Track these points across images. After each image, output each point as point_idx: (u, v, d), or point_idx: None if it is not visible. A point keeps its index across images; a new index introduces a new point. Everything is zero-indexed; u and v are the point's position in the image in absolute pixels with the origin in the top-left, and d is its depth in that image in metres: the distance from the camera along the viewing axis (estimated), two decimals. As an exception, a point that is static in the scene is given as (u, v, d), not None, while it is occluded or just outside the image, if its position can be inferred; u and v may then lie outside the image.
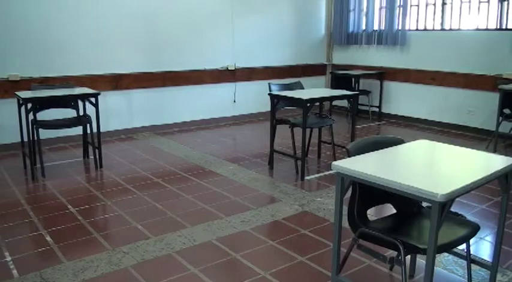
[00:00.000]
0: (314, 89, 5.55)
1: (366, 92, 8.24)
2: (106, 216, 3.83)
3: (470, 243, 3.32)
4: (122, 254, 3.12)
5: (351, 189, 2.32)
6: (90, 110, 5.10)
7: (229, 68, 7.64)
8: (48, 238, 3.38)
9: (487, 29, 6.84)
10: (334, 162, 2.24)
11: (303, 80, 6.01)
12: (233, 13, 7.57)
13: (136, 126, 6.86)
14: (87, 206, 4.00)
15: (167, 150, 5.91)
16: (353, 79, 8.05)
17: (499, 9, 6.67)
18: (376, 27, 8.30)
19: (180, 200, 4.17)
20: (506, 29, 6.58)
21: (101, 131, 5.17)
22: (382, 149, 2.52)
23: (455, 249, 2.45)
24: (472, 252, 3.20)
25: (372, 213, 3.58)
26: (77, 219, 3.72)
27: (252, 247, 3.25)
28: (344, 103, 8.05)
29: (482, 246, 3.37)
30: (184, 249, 3.20)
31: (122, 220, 3.71)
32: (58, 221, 3.69)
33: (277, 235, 3.45)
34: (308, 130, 5.24)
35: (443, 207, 1.88)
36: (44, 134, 4.95)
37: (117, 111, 6.60)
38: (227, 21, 7.53)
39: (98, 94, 4.98)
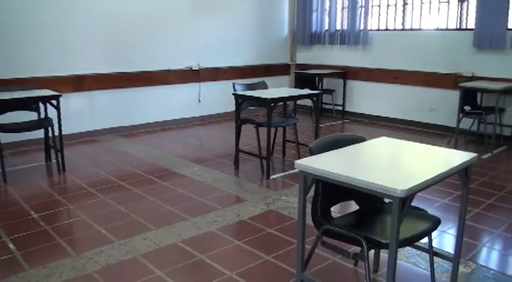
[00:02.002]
0: (278, 89, 5.58)
1: (330, 91, 8.34)
2: (69, 221, 3.76)
3: (433, 236, 3.41)
4: (86, 259, 3.06)
5: (314, 187, 2.34)
6: (52, 113, 5.00)
7: (193, 68, 7.60)
8: (10, 245, 3.29)
9: (447, 29, 7.01)
10: (297, 161, 2.26)
11: (268, 80, 6.03)
12: (196, 13, 7.54)
13: (100, 128, 6.75)
14: (50, 211, 3.91)
15: (131, 152, 5.85)
16: (317, 78, 8.12)
17: (459, 9, 6.85)
18: (338, 27, 8.39)
19: (145, 202, 4.13)
20: (466, 29, 6.76)
21: (63, 133, 5.06)
22: (344, 147, 2.56)
23: (418, 243, 2.50)
24: (435, 245, 3.30)
25: (335, 211, 3.63)
26: (40, 225, 3.64)
27: (218, 248, 3.25)
28: (308, 102, 8.11)
29: (445, 239, 3.45)
30: (149, 252, 3.17)
31: (86, 225, 3.65)
32: (21, 227, 3.60)
33: (243, 235, 3.46)
34: (273, 129, 5.26)
35: (404, 202, 1.92)
36: (5, 138, 4.82)
37: (79, 113, 6.48)
38: (190, 21, 7.49)
39: (60, 96, 4.88)
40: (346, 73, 8.27)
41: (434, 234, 3.45)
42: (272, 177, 4.87)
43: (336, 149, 2.51)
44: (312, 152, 2.45)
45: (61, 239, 3.38)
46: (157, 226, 3.60)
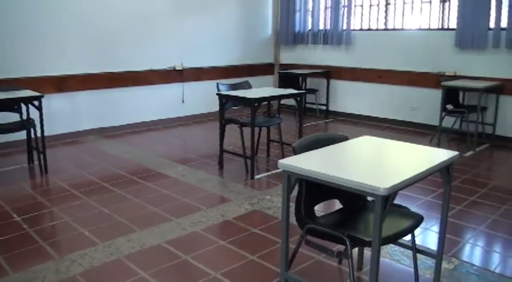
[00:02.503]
0: (262, 89, 5.58)
1: (313, 91, 8.37)
2: (52, 223, 3.71)
3: (417, 233, 3.45)
4: (70, 262, 3.03)
5: (298, 186, 2.35)
6: (34, 114, 4.94)
7: (176, 68, 7.58)
8: (-9, 249, 3.26)
9: (429, 29, 7.08)
10: (281, 161, 2.26)
11: (251, 80, 6.03)
12: (180, 12, 7.52)
13: (83, 129, 6.69)
14: (33, 214, 3.86)
15: (115, 153, 5.81)
16: (300, 78, 8.15)
17: (441, 9, 6.91)
18: (321, 27, 8.42)
19: (128, 203, 4.11)
20: (448, 29, 6.83)
21: (46, 135, 5.01)
22: (327, 146, 2.57)
23: (401, 240, 2.52)
24: (419, 242, 3.33)
25: (319, 209, 3.65)
26: (23, 228, 3.59)
27: (202, 248, 3.24)
28: (292, 102, 8.11)
29: (429, 236, 3.49)
30: (133, 254, 3.15)
31: (69, 227, 3.61)
32: (3, 230, 3.54)
33: (227, 235, 3.45)
34: (257, 129, 5.26)
35: (386, 200, 1.93)
36: (-15, 139, 4.78)
37: (62, 114, 6.41)
38: (174, 21, 7.47)
39: (42, 97, 4.83)
40: (330, 73, 8.31)
41: (417, 231, 3.47)
42: (256, 177, 4.87)
43: (319, 148, 2.51)
44: (295, 152, 2.45)
45: (44, 242, 3.34)
46: (141, 227, 3.58)
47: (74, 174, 4.94)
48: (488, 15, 6.29)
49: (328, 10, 8.24)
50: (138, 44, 7.07)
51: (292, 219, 2.39)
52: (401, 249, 3.18)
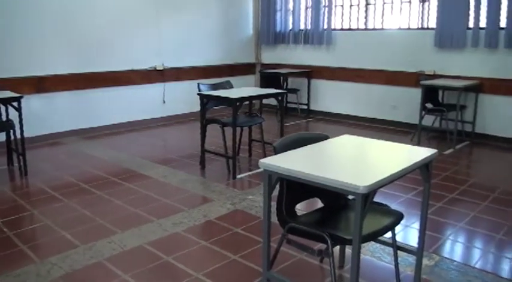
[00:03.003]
0: (243, 88, 5.57)
1: (295, 90, 8.39)
2: (33, 226, 3.66)
3: (398, 231, 3.48)
4: (50, 266, 2.99)
5: (279, 185, 2.35)
6: (14, 115, 4.87)
7: (157, 68, 7.54)
8: (-30, 253, 3.20)
9: (409, 29, 7.14)
10: (261, 160, 2.26)
11: (233, 80, 6.03)
12: (160, 12, 7.48)
13: (63, 130, 6.61)
14: (12, 217, 3.80)
15: (95, 154, 5.75)
16: (281, 78, 8.17)
17: (420, 9, 6.98)
18: (302, 27, 8.45)
19: (109, 205, 4.07)
20: (427, 29, 6.91)
21: (26, 136, 4.92)
22: (307, 145, 2.57)
23: (382, 238, 2.54)
24: (400, 239, 3.36)
25: (301, 208, 3.65)
26: (2, 231, 3.53)
27: (184, 249, 3.22)
28: (274, 101, 8.10)
29: (410, 233, 3.52)
30: (114, 256, 3.12)
31: (50, 230, 3.57)
32: (-19, 234, 3.50)
33: (209, 235, 3.44)
34: (239, 129, 5.26)
35: (366, 198, 1.94)
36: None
37: (42, 115, 6.32)
38: (154, 20, 7.42)
39: (21, 97, 4.76)
40: (311, 72, 8.34)
41: (398, 228, 3.51)
42: (238, 176, 4.87)
43: (300, 147, 2.52)
44: (276, 151, 2.45)
45: (24, 246, 3.29)
46: (122, 229, 3.55)
47: (55, 176, 4.88)
48: (468, 15, 6.37)
49: (309, 10, 8.27)
50: (118, 44, 7.02)
51: (274, 218, 2.39)
52: (383, 246, 3.20)
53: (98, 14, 6.74)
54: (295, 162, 2.27)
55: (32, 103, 6.14)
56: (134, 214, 3.85)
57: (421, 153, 2.44)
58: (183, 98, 7.88)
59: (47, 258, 3.10)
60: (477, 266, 3.01)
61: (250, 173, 5.03)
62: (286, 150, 2.45)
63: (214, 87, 5.37)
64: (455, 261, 3.07)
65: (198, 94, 4.99)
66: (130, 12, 7.12)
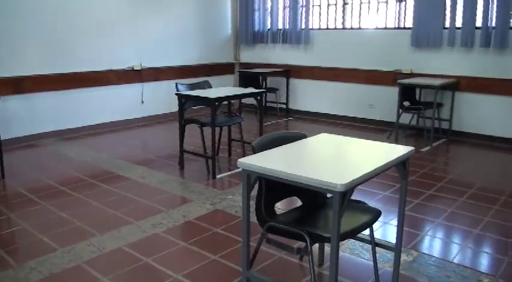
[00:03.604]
0: (222, 88, 5.56)
1: (273, 90, 8.41)
2: (10, 230, 3.59)
3: (376, 228, 3.52)
4: (29, 270, 2.95)
5: (258, 184, 2.35)
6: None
7: (135, 68, 7.48)
8: None
9: (386, 28, 7.21)
10: (240, 160, 2.26)
11: (212, 79, 6.01)
12: (138, 11, 7.42)
13: (41, 131, 6.51)
14: (-13, 221, 3.76)
15: (73, 155, 5.68)
16: (260, 77, 8.18)
17: (397, 9, 7.05)
18: (280, 27, 8.47)
19: (88, 207, 4.03)
20: (404, 28, 6.98)
21: (2, 138, 4.83)
22: (286, 144, 2.58)
23: (361, 235, 2.55)
24: (379, 236, 3.40)
25: (281, 207, 3.67)
26: (-23, 235, 3.49)
27: (163, 250, 3.21)
28: (253, 101, 8.10)
29: (388, 230, 3.56)
30: (93, 259, 3.09)
31: (27, 233, 3.51)
32: (-45, 238, 3.43)
33: (189, 236, 3.43)
34: (218, 129, 5.25)
35: (344, 196, 1.96)
36: None
37: (19, 116, 6.21)
38: (132, 20, 7.36)
39: (-3, 99, 4.70)
40: (289, 72, 8.36)
41: (376, 225, 3.54)
42: (218, 176, 4.86)
43: (278, 146, 2.53)
44: (255, 151, 2.45)
45: (1, 250, 3.24)
46: (101, 231, 3.52)
47: (32, 179, 4.81)
48: (444, 15, 6.47)
49: (287, 9, 8.29)
50: (96, 44, 6.94)
51: (254, 217, 2.39)
52: (361, 243, 3.23)
53: (76, 14, 6.65)
54: (273, 161, 2.28)
55: (10, 104, 6.05)
56: (113, 216, 3.82)
57: (398, 150, 2.46)
58: (161, 98, 7.84)
59: (25, 262, 3.05)
60: (455, 260, 3.06)
61: (230, 172, 5.02)
62: (264, 150, 2.45)
63: (193, 87, 5.35)
64: (433, 256, 3.11)
65: (176, 94, 4.97)
66: (109, 12, 7.05)
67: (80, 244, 3.30)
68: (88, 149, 5.99)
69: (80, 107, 6.91)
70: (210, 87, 5.48)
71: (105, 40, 7.06)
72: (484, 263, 3.06)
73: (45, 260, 3.08)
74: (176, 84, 5.22)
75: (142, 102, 7.72)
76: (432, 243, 3.36)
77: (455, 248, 3.26)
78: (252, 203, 2.35)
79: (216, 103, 4.63)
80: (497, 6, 5.96)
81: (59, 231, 3.54)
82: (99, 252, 3.18)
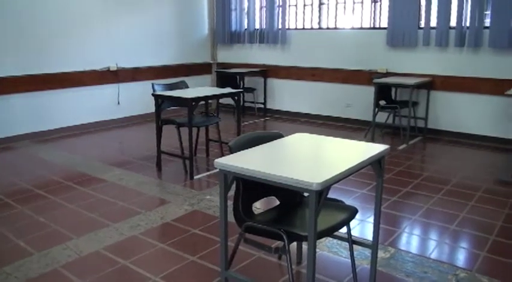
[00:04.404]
0: (199, 88, 5.54)
1: (251, 90, 8.41)
2: (-18, 234, 3.55)
3: (354, 225, 3.55)
4: (5, 275, 2.89)
5: (235, 184, 2.35)
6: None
7: (111, 69, 7.41)
8: None
9: (361, 28, 7.27)
10: (216, 160, 2.25)
11: (189, 79, 6.00)
12: (112, 11, 7.35)
13: (14, 134, 6.40)
14: (-41, 225, 3.68)
15: (49, 158, 5.60)
16: (238, 77, 8.17)
17: (372, 9, 7.12)
18: (257, 26, 8.48)
19: (64, 210, 3.97)
20: (380, 28, 7.05)
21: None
22: (262, 144, 2.59)
23: (338, 233, 2.57)
24: (357, 234, 3.43)
25: (259, 207, 3.67)
26: (-50, 241, 3.42)
27: (141, 252, 3.18)
28: (231, 101, 8.10)
29: (366, 227, 3.59)
30: (70, 263, 3.05)
31: (3, 238, 3.45)
32: None
33: (167, 237, 3.41)
34: (195, 129, 5.23)
35: (320, 195, 1.97)
36: None
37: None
38: (106, 20, 7.29)
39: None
40: (267, 71, 8.38)
41: (353, 223, 3.58)
42: (196, 177, 4.84)
43: (255, 146, 2.53)
44: (232, 151, 2.46)
45: (-26, 255, 3.19)
46: (78, 234, 3.48)
47: (6, 182, 4.73)
48: (419, 15, 6.55)
49: (264, 9, 8.31)
50: (70, 45, 6.85)
51: (232, 218, 2.39)
52: (339, 241, 3.25)
53: (49, 14, 6.56)
54: (250, 161, 2.28)
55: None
56: (90, 219, 3.78)
57: (373, 149, 2.49)
58: (138, 98, 7.78)
59: (1, 267, 3.00)
60: (432, 256, 3.10)
61: (207, 173, 5.01)
62: (241, 150, 2.46)
63: (169, 87, 5.32)
64: (410, 252, 3.14)
65: (152, 95, 4.93)
66: (83, 12, 6.96)
67: (57, 248, 3.26)
68: (64, 152, 5.92)
69: (55, 109, 6.82)
70: (187, 87, 5.46)
71: (80, 40, 6.98)
72: (461, 258, 3.11)
73: (21, 264, 3.04)
74: (152, 84, 5.19)
75: (119, 103, 7.65)
76: (409, 239, 3.40)
77: (432, 244, 3.31)
78: (230, 203, 2.35)
79: (193, 103, 4.61)
80: (471, 6, 6.06)
81: (35, 235, 3.49)
82: (76, 255, 3.14)
